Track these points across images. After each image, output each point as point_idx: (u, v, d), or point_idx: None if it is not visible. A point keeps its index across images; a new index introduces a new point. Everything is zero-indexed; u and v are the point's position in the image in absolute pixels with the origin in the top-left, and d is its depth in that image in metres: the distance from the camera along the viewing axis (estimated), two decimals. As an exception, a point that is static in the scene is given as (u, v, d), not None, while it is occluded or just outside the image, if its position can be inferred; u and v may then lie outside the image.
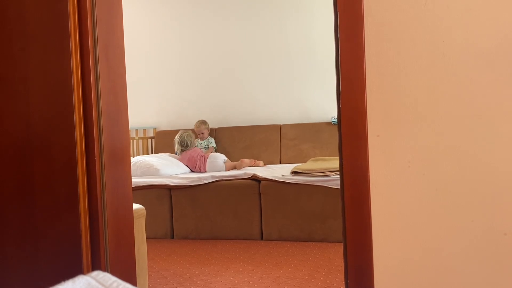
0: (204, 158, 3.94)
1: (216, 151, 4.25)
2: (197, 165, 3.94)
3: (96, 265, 1.55)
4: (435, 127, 1.35)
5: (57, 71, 1.52)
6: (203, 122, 4.31)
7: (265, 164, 4.08)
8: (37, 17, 1.53)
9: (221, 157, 3.96)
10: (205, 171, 3.86)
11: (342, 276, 2.23)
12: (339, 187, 2.41)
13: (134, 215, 1.89)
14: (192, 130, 4.33)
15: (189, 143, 4.09)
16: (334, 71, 1.47)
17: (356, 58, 1.38)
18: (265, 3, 4.46)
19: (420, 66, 1.35)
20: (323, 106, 4.29)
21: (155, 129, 4.80)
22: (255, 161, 4.03)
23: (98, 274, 0.75)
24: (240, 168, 3.84)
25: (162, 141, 4.48)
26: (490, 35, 1.30)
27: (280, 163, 4.17)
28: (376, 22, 1.38)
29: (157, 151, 4.51)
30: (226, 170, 3.83)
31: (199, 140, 4.29)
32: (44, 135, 1.54)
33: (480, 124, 1.32)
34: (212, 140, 4.31)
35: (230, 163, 3.95)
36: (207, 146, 4.26)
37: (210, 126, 4.45)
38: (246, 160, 3.96)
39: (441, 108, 1.34)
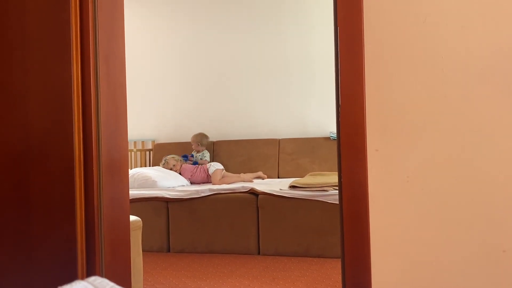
0: (203, 168, 4.04)
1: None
2: (197, 171, 4.00)
3: (91, 276, 1.52)
4: (433, 142, 1.35)
5: (57, 80, 1.52)
6: (204, 136, 4.31)
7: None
8: (38, 26, 1.54)
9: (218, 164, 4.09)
10: (207, 170, 3.99)
11: (340, 293, 2.21)
12: (337, 202, 2.39)
13: (131, 227, 1.87)
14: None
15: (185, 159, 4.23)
16: (333, 86, 1.48)
17: (355, 73, 1.39)
18: (265, 18, 4.51)
19: (419, 81, 1.36)
20: (322, 121, 4.30)
21: (153, 141, 4.80)
22: (257, 175, 4.07)
23: (96, 279, 0.74)
24: (238, 181, 3.86)
25: (160, 154, 4.47)
26: (487, 51, 1.32)
27: (278, 177, 4.16)
28: (375, 37, 1.39)
29: (155, 163, 4.50)
30: (225, 182, 3.84)
31: (194, 151, 4.31)
32: (42, 144, 1.54)
33: (479, 139, 1.32)
34: (207, 154, 4.31)
35: (230, 176, 3.96)
36: (200, 158, 4.27)
37: (209, 139, 4.46)
38: (246, 177, 3.96)
39: (440, 123, 1.35)
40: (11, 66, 1.56)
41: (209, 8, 4.66)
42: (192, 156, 4.32)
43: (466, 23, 1.33)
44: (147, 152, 4.77)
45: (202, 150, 4.31)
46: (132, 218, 2.07)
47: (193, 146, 4.32)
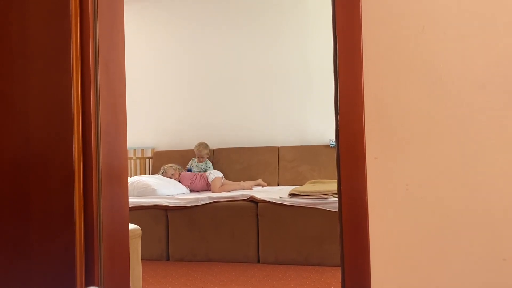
0: (202, 175, 4.05)
1: None
2: (196, 179, 4.01)
3: (90, 285, 1.52)
4: (433, 150, 1.35)
5: (58, 89, 1.53)
6: (205, 147, 4.29)
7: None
8: (39, 35, 1.55)
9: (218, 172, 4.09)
10: (207, 179, 3.99)
11: (340, 301, 2.19)
12: (337, 210, 2.39)
13: (130, 235, 1.87)
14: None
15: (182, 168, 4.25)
16: (333, 94, 1.49)
17: (354, 81, 1.40)
18: (264, 26, 4.54)
19: (418, 89, 1.37)
20: (321, 129, 4.31)
21: (153, 149, 4.80)
22: (257, 183, 4.07)
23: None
24: (238, 189, 3.86)
25: (160, 162, 4.48)
26: (486, 59, 1.32)
27: (278, 185, 4.16)
28: (374, 46, 1.40)
29: (154, 171, 4.50)
30: (225, 189, 3.84)
31: (195, 160, 4.29)
32: (42, 152, 1.54)
33: (479, 148, 1.32)
34: (210, 164, 4.29)
35: (230, 184, 3.96)
36: (204, 169, 4.25)
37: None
38: (246, 184, 3.95)
39: (440, 132, 1.35)
40: (11, 75, 1.57)
41: (209, 16, 4.69)
42: (190, 170, 4.28)
43: (465, 31, 1.34)
44: (147, 160, 4.77)
45: (206, 159, 4.29)
46: (131, 226, 2.07)
47: (203, 157, 4.26)
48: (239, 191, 3.68)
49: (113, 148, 1.63)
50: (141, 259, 2.18)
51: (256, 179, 4.16)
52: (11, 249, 1.55)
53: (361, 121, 1.39)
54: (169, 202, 3.51)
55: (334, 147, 4.08)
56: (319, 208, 3.16)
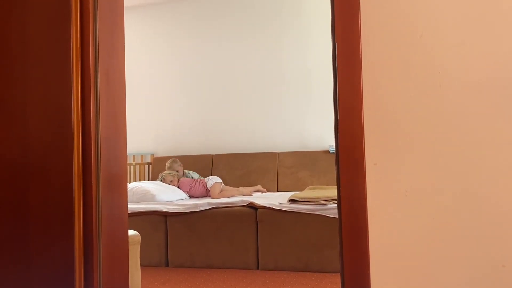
0: (201, 181, 4.03)
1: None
2: (195, 185, 3.99)
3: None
4: (432, 157, 1.35)
5: (57, 95, 1.53)
6: (175, 161, 4.25)
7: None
8: (39, 41, 1.55)
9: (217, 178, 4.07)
10: (206, 184, 3.97)
11: (339, 308, 2.18)
12: (336, 216, 2.39)
13: (129, 241, 1.86)
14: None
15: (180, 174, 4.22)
16: (332, 100, 1.49)
17: (353, 87, 1.40)
18: (264, 32, 4.56)
19: (417, 95, 1.37)
20: (321, 135, 4.32)
21: (152, 155, 4.80)
22: (256, 189, 4.06)
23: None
24: (237, 195, 3.85)
25: (159, 167, 4.47)
26: (485, 67, 1.33)
27: (278, 191, 4.16)
28: (373, 52, 1.40)
29: (154, 177, 4.49)
30: (224, 195, 3.83)
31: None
32: (41, 159, 1.54)
33: (477, 155, 1.33)
34: (189, 172, 4.27)
35: (229, 189, 3.96)
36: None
37: (208, 153, 4.47)
38: (245, 190, 3.95)
39: (438, 138, 1.35)
40: (11, 80, 1.57)
41: (208, 23, 4.71)
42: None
43: (462, 38, 1.35)
44: (146, 166, 4.76)
45: (182, 172, 4.24)
46: (131, 232, 2.06)
47: (178, 171, 4.20)
48: (238, 197, 3.68)
49: (112, 154, 1.63)
50: (140, 266, 2.18)
51: (255, 185, 4.16)
52: (10, 255, 1.55)
53: (360, 127, 1.39)
54: (168, 208, 3.51)
55: (333, 153, 4.08)
56: (319, 214, 3.16)
